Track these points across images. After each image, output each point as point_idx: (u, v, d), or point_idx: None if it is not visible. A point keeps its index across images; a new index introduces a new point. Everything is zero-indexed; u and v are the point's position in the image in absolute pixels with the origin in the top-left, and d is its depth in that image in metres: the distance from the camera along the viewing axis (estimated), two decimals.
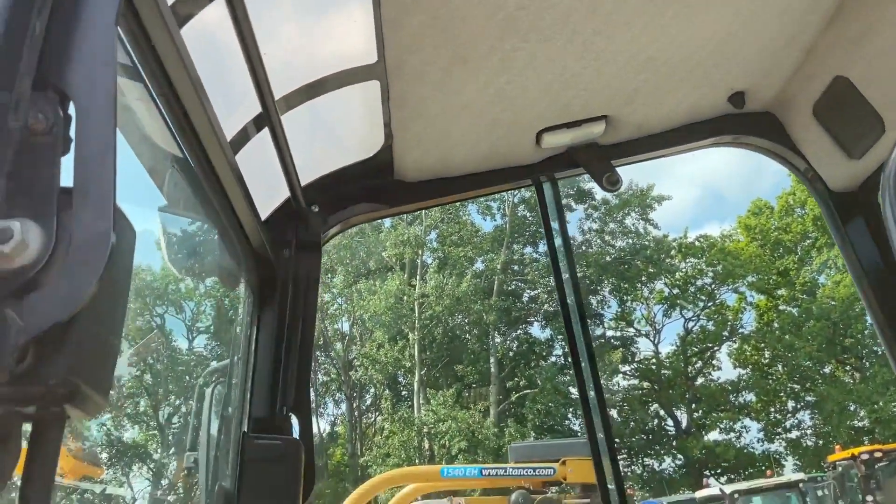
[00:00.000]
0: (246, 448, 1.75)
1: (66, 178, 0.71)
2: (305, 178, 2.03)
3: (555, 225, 2.32)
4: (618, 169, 2.50)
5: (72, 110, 0.73)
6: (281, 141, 1.79)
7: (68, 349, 0.64)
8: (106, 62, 0.73)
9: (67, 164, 0.72)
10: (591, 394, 2.33)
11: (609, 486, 2.29)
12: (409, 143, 2.15)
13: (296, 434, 1.87)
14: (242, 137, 1.67)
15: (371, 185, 2.18)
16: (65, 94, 0.72)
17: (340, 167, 2.13)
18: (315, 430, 40.71)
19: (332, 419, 42.55)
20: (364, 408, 41.06)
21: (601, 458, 2.43)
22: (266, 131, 1.73)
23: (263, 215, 1.92)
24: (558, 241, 2.32)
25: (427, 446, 32.38)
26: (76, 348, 0.65)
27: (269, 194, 1.93)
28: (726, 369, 41.49)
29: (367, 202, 2.18)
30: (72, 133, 0.73)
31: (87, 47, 0.73)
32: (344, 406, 41.23)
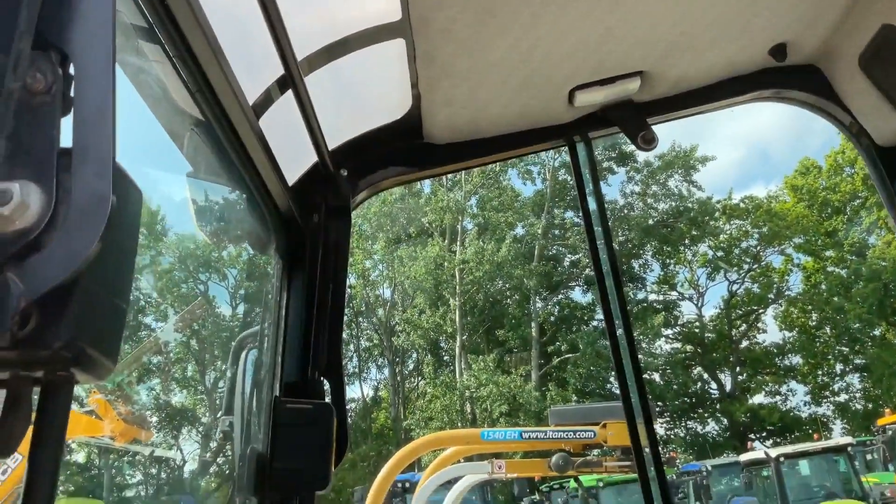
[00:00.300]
0: (278, 412, 1.76)
1: (67, 140, 0.70)
2: (333, 143, 2.01)
3: (589, 187, 2.26)
4: (655, 127, 2.43)
5: (72, 70, 0.72)
6: (306, 104, 1.77)
7: (72, 312, 0.63)
8: (105, 21, 0.71)
9: (68, 124, 0.70)
10: (626, 360, 2.29)
11: (644, 450, 2.26)
12: (438, 104, 2.11)
13: (328, 398, 1.88)
14: (265, 101, 1.65)
15: (400, 149, 2.15)
16: (64, 53, 0.71)
17: (368, 130, 2.10)
18: (359, 394, 41.39)
19: (376, 384, 43.21)
20: (406, 372, 41.53)
21: (636, 423, 2.40)
22: (290, 95, 1.71)
23: (291, 181, 1.91)
24: (592, 205, 2.27)
25: (469, 410, 32.68)
26: (81, 311, 0.64)
27: (295, 160, 1.91)
28: (772, 332, 40.96)
29: (396, 166, 2.15)
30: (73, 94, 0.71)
31: (86, 5, 0.72)
32: (387, 371, 41.78)
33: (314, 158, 1.95)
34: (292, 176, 1.92)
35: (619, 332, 2.33)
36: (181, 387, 31.95)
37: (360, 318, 42.36)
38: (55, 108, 0.68)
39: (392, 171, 2.14)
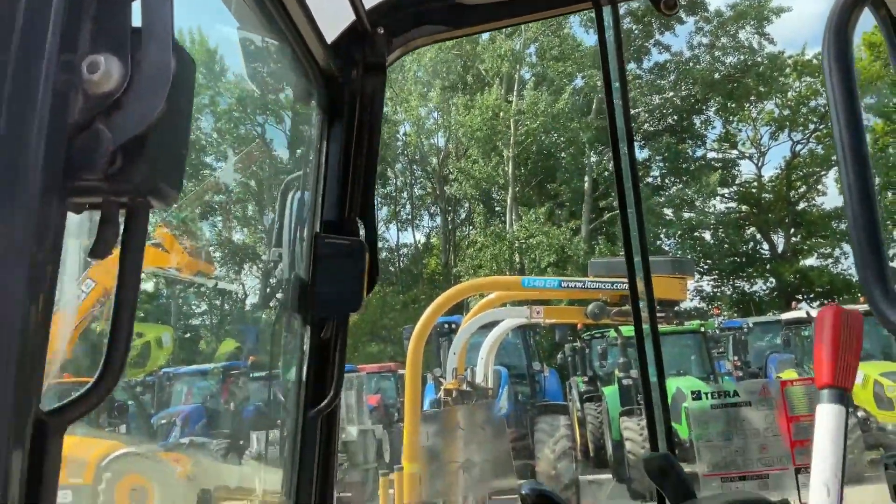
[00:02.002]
0: (318, 246, 2.02)
1: (136, 21, 0.90)
2: (369, 2, 2.14)
3: (612, 56, 2.33)
4: None
5: None
6: None
7: (147, 154, 0.86)
8: None
9: (137, 8, 0.90)
10: (633, 224, 2.42)
11: (640, 303, 2.46)
12: None
13: (362, 236, 2.13)
14: None
15: (434, 8, 2.26)
16: None
17: None
18: (411, 240, 42.44)
19: (427, 231, 44.16)
20: (458, 221, 42.24)
21: (635, 279, 2.61)
22: None
23: (330, 39, 2.06)
24: (614, 76, 2.34)
25: (517, 260, 33.38)
26: (153, 154, 0.87)
27: (335, 19, 2.06)
28: (832, 195, 39.96)
29: (430, 25, 2.27)
30: None
31: None
32: (439, 219, 42.55)
33: (352, 17, 2.09)
34: (331, 34, 2.07)
35: (631, 219, 2.45)
36: (240, 224, 33.46)
37: (414, 167, 42.72)
38: None
39: (426, 31, 2.27)
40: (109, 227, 0.91)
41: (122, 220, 0.94)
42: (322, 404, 1.97)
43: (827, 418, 0.89)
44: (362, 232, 2.14)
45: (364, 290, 2.03)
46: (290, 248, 2.16)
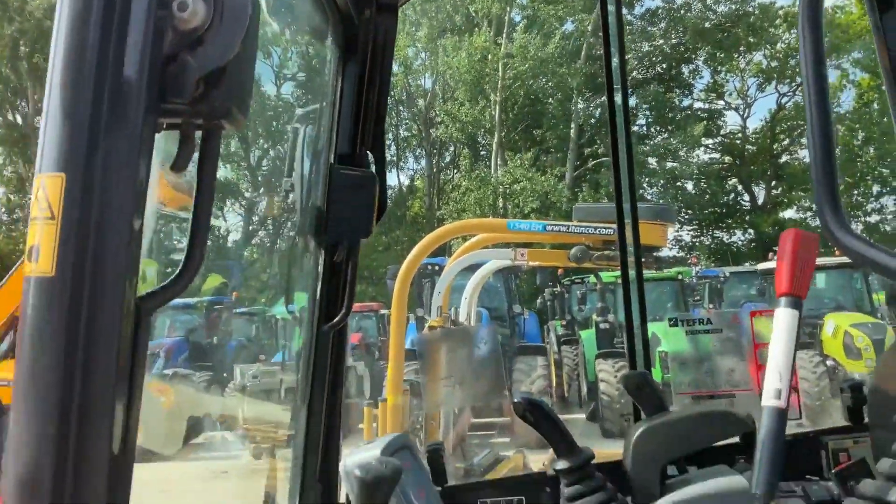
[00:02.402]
0: (333, 176, 2.18)
1: None
2: None
3: (611, 1, 2.44)
4: None
5: None
6: None
7: (225, 84, 1.02)
8: None
9: None
10: (623, 169, 2.58)
11: (628, 248, 2.64)
12: None
13: (372, 168, 2.29)
14: None
15: None
16: None
17: None
18: (395, 182, 42.38)
19: (412, 173, 44.12)
20: (443, 164, 42.18)
21: (623, 224, 2.78)
22: None
23: None
24: (612, 22, 2.46)
25: (501, 205, 33.54)
26: (229, 83, 1.03)
27: None
28: None
29: None
30: None
31: None
32: (424, 162, 42.46)
33: None
34: None
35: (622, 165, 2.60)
36: (257, 153, 33.44)
37: (401, 108, 42.38)
38: None
39: None
40: (187, 146, 1.07)
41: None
42: (335, 320, 2.16)
43: (783, 319, 1.08)
44: (373, 165, 2.30)
45: (374, 218, 2.20)
46: (305, 177, 2.31)
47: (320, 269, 2.19)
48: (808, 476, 1.63)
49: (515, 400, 2.05)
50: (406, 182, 43.58)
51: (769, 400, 1.05)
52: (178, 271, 1.05)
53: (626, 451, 2.10)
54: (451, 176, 40.74)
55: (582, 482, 2.02)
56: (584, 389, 16.93)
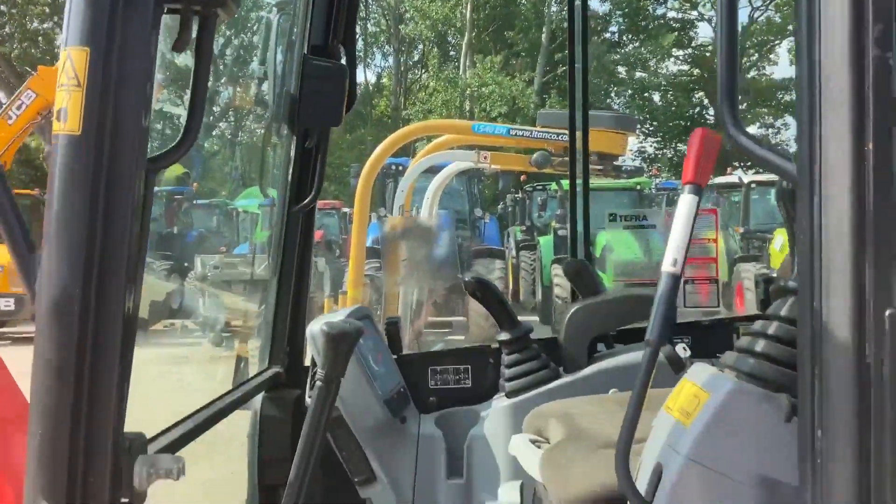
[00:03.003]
0: (306, 66, 2.31)
1: None
2: None
3: None
4: None
5: None
6: None
7: None
8: None
9: None
10: (578, 80, 2.74)
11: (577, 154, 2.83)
12: None
13: (343, 60, 2.43)
14: None
15: None
16: None
17: None
18: (361, 79, 41.59)
19: (379, 71, 43.28)
20: (411, 63, 41.41)
21: (575, 132, 2.96)
22: None
23: None
24: None
25: (468, 108, 33.30)
26: None
27: None
28: (783, 65, 40.38)
29: None
30: None
31: None
32: (391, 59, 41.62)
33: None
34: None
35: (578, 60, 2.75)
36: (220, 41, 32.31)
37: (370, 1, 41.15)
38: None
39: None
40: (186, 30, 1.23)
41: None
42: (305, 202, 2.35)
43: (685, 205, 1.31)
44: (343, 58, 2.43)
45: (344, 108, 2.35)
46: (278, 65, 2.44)
47: (292, 153, 2.36)
48: (717, 355, 1.91)
49: (466, 279, 2.29)
50: (373, 80, 42.82)
51: (667, 266, 1.27)
52: (178, 139, 1.23)
53: (560, 327, 2.37)
54: (419, 75, 40.10)
55: (521, 352, 2.29)
56: (540, 294, 17.46)
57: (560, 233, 16.36)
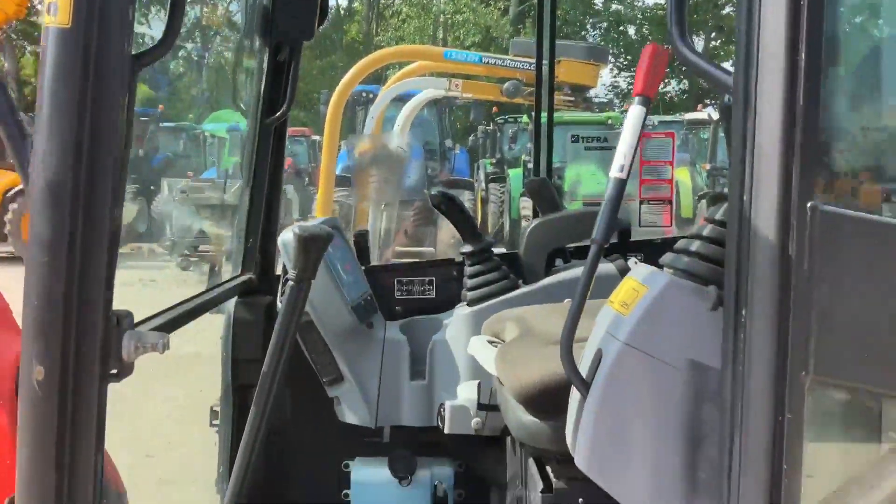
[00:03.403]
0: None
1: None
2: None
3: None
4: None
5: None
6: None
7: None
8: None
9: None
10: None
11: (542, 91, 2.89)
12: None
13: None
14: None
15: None
16: None
17: None
18: (332, 2, 40.50)
19: None
20: None
21: (541, 63, 3.01)
22: None
23: None
24: None
25: (441, 36, 32.77)
26: None
27: None
28: None
29: None
30: None
31: None
32: None
33: None
34: None
35: None
36: None
37: None
38: None
39: None
40: None
41: None
42: (277, 114, 2.41)
43: (634, 116, 1.41)
44: None
45: (316, 23, 2.40)
46: None
47: (265, 66, 2.41)
48: None
49: (432, 192, 2.39)
50: (344, 3, 41.72)
51: (615, 172, 1.38)
52: (161, 38, 1.29)
53: (521, 241, 2.49)
54: (392, 1, 39.19)
55: (482, 263, 2.42)
56: (508, 226, 17.63)
57: (530, 166, 16.42)
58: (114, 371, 1.21)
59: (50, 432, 1.14)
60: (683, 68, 39.29)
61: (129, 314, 1.24)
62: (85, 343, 1.15)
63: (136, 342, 1.22)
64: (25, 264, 1.16)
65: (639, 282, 1.38)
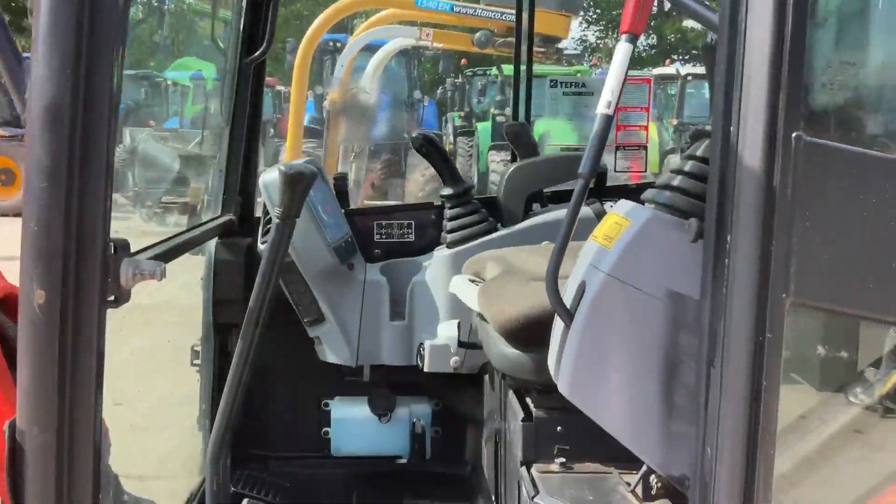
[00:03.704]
0: None
1: None
2: None
3: None
4: None
5: None
6: None
7: None
8: None
9: None
10: None
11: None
12: None
13: None
14: None
15: None
16: None
17: None
18: None
19: None
20: None
21: (521, 11, 3.00)
22: None
23: None
24: None
25: None
26: None
27: None
28: None
29: None
30: None
31: None
32: None
33: None
34: None
35: None
36: None
37: None
38: None
39: None
40: None
41: None
42: (256, 53, 2.39)
43: (621, 53, 1.44)
44: None
45: None
46: None
47: (244, 4, 2.38)
48: None
49: (413, 134, 2.41)
50: None
51: (602, 108, 1.41)
52: None
53: (499, 185, 2.53)
54: None
55: (462, 206, 2.45)
56: (476, 179, 17.64)
57: (498, 119, 16.39)
58: (112, 297, 1.23)
59: (51, 355, 1.15)
60: (652, 23, 39.27)
61: (126, 242, 1.25)
62: (85, 268, 1.16)
63: (133, 269, 1.24)
64: (24, 189, 1.16)
65: (622, 216, 1.42)
